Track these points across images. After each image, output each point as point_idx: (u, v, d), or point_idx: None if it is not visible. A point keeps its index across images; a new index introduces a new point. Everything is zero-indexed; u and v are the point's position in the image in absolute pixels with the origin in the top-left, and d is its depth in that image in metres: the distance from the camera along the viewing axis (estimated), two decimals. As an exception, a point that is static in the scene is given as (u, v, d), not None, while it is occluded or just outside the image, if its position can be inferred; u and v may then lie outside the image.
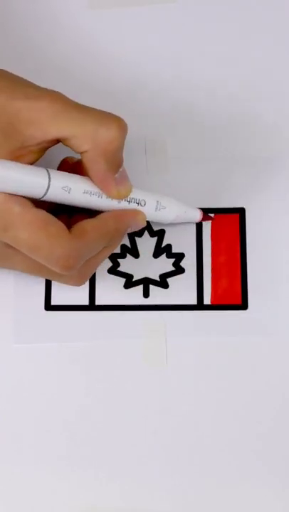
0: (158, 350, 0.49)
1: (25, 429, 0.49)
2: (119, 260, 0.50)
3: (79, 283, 0.47)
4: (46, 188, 0.42)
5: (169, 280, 0.50)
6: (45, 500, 0.48)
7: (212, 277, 0.50)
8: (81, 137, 0.41)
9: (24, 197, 0.41)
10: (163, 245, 0.50)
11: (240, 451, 0.48)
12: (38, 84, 0.43)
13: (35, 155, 0.42)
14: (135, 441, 0.49)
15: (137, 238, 0.50)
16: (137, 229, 0.47)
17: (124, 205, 0.45)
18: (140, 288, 0.50)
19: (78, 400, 0.49)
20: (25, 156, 0.42)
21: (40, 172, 0.42)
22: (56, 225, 0.42)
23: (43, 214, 0.41)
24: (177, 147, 0.51)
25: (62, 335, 0.50)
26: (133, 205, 0.46)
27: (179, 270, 0.50)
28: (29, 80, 0.43)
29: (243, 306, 0.49)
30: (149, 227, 0.50)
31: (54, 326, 0.50)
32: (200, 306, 0.50)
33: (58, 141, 0.42)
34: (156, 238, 0.50)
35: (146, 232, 0.50)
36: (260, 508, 0.48)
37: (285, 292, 0.49)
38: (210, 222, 0.50)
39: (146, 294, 0.50)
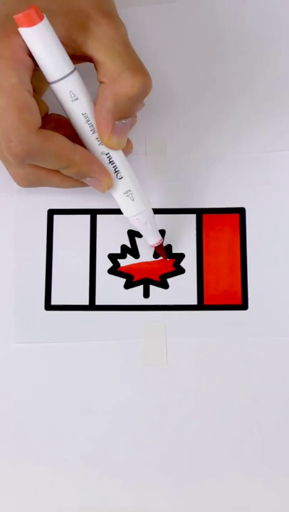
0: (158, 350, 0.49)
1: (25, 428, 0.49)
2: (119, 260, 0.50)
3: (20, 184, 0.47)
4: (61, 76, 0.43)
5: (169, 280, 0.50)
6: (45, 500, 0.48)
7: (212, 277, 0.50)
8: (107, 69, 0.43)
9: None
10: (163, 246, 0.50)
11: (240, 451, 0.48)
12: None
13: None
14: (135, 441, 0.49)
15: (137, 238, 0.50)
16: (94, 187, 0.46)
17: (104, 160, 0.45)
18: (140, 288, 0.50)
19: (78, 400, 0.49)
20: (68, 46, 0.43)
21: (70, 63, 0.43)
22: (31, 115, 0.42)
23: (29, 100, 0.42)
24: (177, 147, 0.52)
25: (62, 335, 0.50)
26: (110, 168, 0.46)
27: (179, 270, 0.50)
28: None
29: (243, 306, 0.49)
30: (149, 227, 0.50)
31: (54, 326, 0.50)
32: (200, 306, 0.50)
33: (90, 60, 0.43)
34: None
35: (146, 233, 0.50)
36: (261, 508, 0.48)
37: (285, 292, 0.50)
38: (210, 221, 0.50)
39: (146, 294, 0.50)
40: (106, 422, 0.49)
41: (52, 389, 0.49)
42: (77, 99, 0.43)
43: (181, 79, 0.52)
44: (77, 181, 0.46)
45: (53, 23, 0.42)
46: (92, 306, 0.50)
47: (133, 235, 0.50)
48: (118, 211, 0.50)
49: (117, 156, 0.46)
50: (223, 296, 0.50)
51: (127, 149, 0.48)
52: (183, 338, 0.49)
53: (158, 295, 0.50)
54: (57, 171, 0.45)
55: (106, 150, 0.45)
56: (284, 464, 0.48)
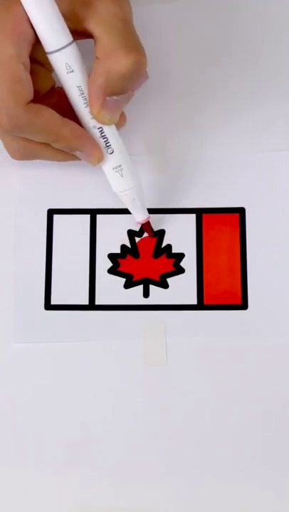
0: (158, 350, 0.49)
1: (25, 428, 0.49)
2: (119, 260, 0.50)
3: (13, 156, 0.47)
4: (59, 47, 0.43)
5: (169, 280, 0.50)
6: (45, 500, 0.48)
7: (212, 277, 0.50)
8: (103, 44, 0.43)
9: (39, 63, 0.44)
10: (163, 245, 0.50)
11: (240, 451, 0.48)
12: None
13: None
14: (135, 441, 0.49)
15: (137, 238, 0.50)
16: (85, 160, 0.47)
17: (96, 134, 0.45)
18: (140, 288, 0.50)
19: (78, 400, 0.49)
20: (70, 21, 0.43)
21: (68, 35, 0.43)
22: (22, 88, 0.42)
23: (22, 73, 0.42)
24: (177, 147, 0.51)
25: (62, 334, 0.50)
26: (102, 142, 0.46)
27: (179, 270, 0.50)
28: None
29: (243, 306, 0.49)
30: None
31: (54, 326, 0.50)
32: (200, 306, 0.50)
33: (91, 37, 0.43)
34: (156, 238, 0.50)
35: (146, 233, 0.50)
36: (261, 508, 0.48)
37: (285, 292, 0.50)
38: (210, 221, 0.50)
39: (146, 294, 0.50)
40: (106, 421, 0.49)
41: (52, 389, 0.49)
42: (72, 71, 0.44)
43: (181, 79, 0.52)
44: (70, 155, 0.47)
45: None
46: (92, 305, 0.50)
47: (133, 234, 0.50)
48: (118, 211, 0.50)
49: (109, 131, 0.46)
50: (223, 296, 0.50)
51: (120, 123, 0.47)
52: (183, 338, 0.49)
53: (158, 295, 0.50)
54: (48, 145, 0.46)
55: (98, 124, 0.45)
56: (284, 464, 0.48)
